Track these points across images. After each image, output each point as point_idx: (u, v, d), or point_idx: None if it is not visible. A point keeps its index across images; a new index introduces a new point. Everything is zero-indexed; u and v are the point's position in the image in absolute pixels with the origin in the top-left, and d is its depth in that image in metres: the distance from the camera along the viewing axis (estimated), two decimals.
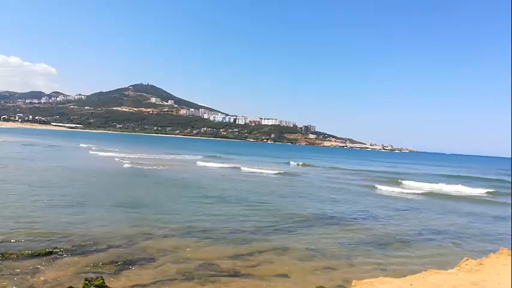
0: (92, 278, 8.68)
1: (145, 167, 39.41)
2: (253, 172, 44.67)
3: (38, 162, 36.55)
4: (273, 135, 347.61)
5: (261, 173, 44.48)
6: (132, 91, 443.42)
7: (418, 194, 33.55)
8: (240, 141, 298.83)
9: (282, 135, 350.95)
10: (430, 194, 33.71)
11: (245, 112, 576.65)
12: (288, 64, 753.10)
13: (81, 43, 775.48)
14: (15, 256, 10.35)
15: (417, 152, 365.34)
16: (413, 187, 38.55)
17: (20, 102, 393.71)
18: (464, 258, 10.11)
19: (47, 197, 19.07)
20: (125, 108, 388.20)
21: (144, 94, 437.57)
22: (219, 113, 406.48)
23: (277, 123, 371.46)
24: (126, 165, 39.93)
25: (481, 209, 26.76)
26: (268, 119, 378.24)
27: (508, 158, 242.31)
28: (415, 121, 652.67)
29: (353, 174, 52.26)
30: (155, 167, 40.20)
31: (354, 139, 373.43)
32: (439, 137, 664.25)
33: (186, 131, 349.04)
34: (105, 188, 24.75)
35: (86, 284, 8.40)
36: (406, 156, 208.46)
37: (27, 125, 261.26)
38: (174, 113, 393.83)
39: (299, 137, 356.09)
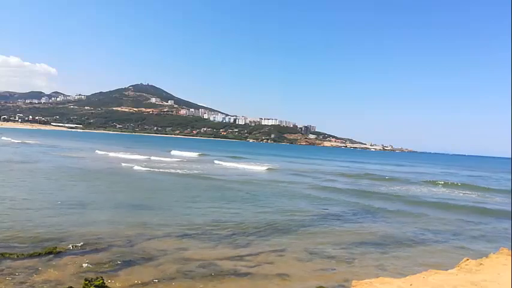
0: (92, 278, 8.68)
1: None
2: (149, 169, 38.23)
3: None
4: (273, 136, 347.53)
5: (159, 170, 37.94)
6: (132, 91, 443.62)
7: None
8: (239, 142, 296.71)
9: (282, 136, 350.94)
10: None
11: (245, 112, 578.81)
12: (288, 64, 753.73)
13: (81, 43, 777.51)
14: (15, 256, 10.34)
15: (416, 152, 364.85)
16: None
17: (20, 102, 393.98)
18: (464, 258, 10.11)
19: None
20: (125, 108, 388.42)
21: (144, 94, 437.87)
22: (219, 113, 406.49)
23: (277, 123, 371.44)
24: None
25: None
26: (268, 119, 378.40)
27: (508, 158, 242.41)
28: (415, 121, 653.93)
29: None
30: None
31: (354, 139, 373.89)
32: (440, 137, 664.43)
33: (186, 131, 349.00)
34: None
35: (86, 284, 8.40)
36: (399, 156, 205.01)
37: (27, 125, 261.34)
38: (174, 113, 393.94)
39: (299, 137, 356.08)
